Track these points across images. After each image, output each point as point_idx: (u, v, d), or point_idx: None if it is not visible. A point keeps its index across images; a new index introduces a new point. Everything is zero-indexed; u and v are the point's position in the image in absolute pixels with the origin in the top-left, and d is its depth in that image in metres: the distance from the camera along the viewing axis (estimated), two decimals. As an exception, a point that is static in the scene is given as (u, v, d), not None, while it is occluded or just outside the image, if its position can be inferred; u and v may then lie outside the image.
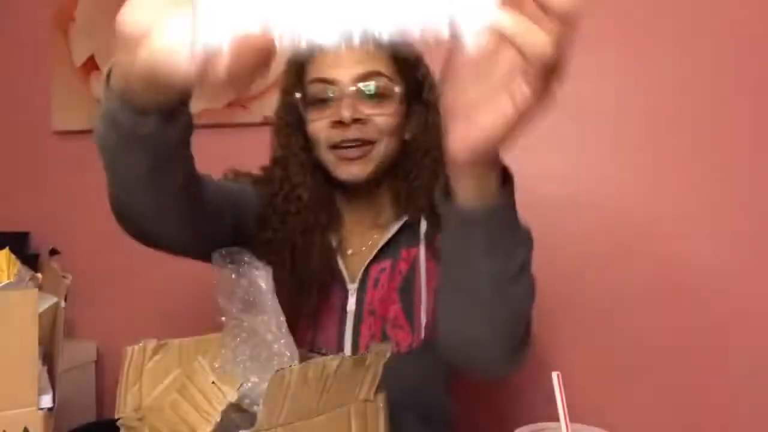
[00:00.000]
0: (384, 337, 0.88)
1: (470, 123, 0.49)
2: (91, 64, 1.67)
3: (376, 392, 0.62)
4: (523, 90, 0.46)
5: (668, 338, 1.30)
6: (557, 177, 1.36)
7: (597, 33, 1.35)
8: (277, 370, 0.51)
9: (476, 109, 0.49)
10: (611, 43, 1.34)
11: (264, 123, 1.55)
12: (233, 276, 0.61)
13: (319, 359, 0.54)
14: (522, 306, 0.65)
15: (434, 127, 0.87)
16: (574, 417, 0.58)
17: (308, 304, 0.89)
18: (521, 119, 0.47)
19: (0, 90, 1.80)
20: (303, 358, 0.57)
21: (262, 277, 0.61)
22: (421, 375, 0.88)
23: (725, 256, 1.28)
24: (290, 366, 0.52)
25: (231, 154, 1.62)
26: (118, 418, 0.59)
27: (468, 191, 0.56)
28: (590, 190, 1.35)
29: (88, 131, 1.95)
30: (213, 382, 0.50)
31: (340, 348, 0.89)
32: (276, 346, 0.59)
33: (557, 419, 0.58)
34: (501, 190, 0.57)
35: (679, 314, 1.30)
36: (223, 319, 0.62)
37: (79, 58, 1.68)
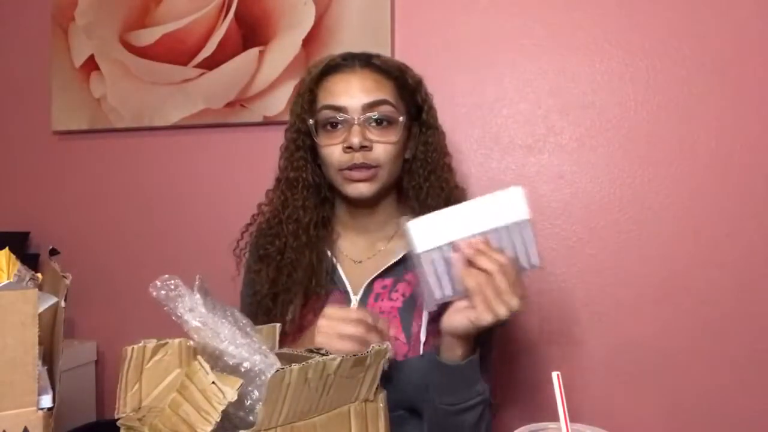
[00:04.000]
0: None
1: (450, 315, 0.81)
2: (91, 64, 1.67)
3: (376, 392, 0.62)
4: (482, 313, 0.76)
5: (668, 338, 1.30)
6: (557, 177, 1.36)
7: (596, 33, 1.35)
8: (277, 370, 0.51)
9: (458, 310, 0.80)
10: (610, 43, 1.34)
11: (264, 123, 1.55)
12: (180, 301, 0.59)
13: (319, 359, 0.54)
14: (467, 429, 0.86)
15: (434, 147, 0.99)
16: (574, 417, 0.58)
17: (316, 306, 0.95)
18: (478, 328, 0.79)
19: (0, 90, 1.80)
20: (303, 359, 0.56)
21: (196, 306, 0.59)
22: (413, 378, 0.89)
23: (727, 256, 1.28)
24: (290, 366, 0.52)
25: (231, 154, 1.62)
26: (118, 418, 0.59)
27: (445, 352, 0.84)
28: (590, 190, 1.35)
29: (88, 131, 1.94)
30: (213, 382, 0.50)
31: None
32: (247, 364, 0.57)
33: (557, 419, 0.58)
34: (467, 359, 0.82)
35: (679, 314, 1.30)
36: (195, 337, 0.60)
37: (79, 58, 1.68)
